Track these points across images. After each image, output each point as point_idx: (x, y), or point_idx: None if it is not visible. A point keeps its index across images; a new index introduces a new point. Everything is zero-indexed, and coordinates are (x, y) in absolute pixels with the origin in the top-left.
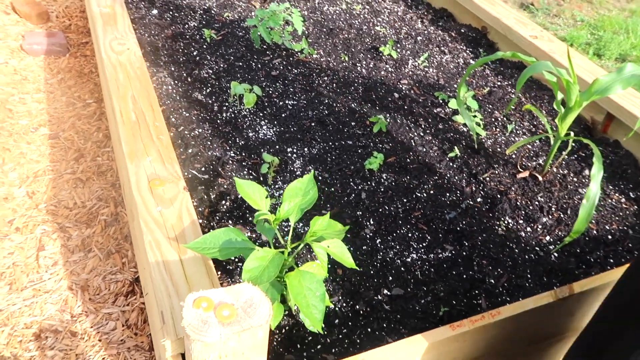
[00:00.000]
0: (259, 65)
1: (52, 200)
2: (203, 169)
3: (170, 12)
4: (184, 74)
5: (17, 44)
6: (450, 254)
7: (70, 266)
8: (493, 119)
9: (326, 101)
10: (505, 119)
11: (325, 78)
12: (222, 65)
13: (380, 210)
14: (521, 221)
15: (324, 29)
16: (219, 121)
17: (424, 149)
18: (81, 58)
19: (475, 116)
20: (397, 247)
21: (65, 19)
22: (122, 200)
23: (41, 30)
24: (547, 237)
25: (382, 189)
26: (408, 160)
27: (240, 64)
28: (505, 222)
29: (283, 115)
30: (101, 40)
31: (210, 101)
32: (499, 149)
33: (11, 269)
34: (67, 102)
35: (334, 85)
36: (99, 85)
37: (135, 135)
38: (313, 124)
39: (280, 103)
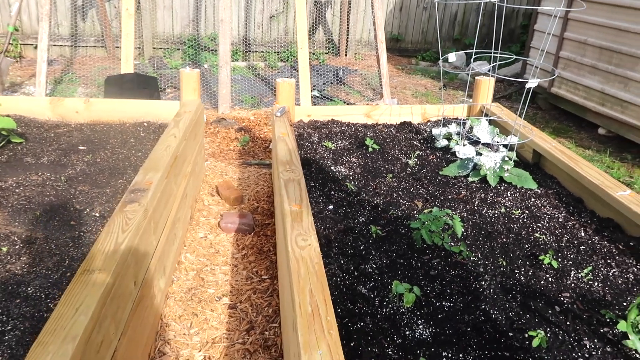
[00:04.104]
0: (419, 264)
1: None
2: None
3: (344, 208)
4: (352, 267)
5: (215, 222)
6: None
7: None
8: None
9: (483, 306)
10: None
11: (482, 282)
12: (385, 261)
13: None
14: None
15: (482, 232)
16: (379, 316)
17: None
18: (263, 237)
19: None
20: None
21: (255, 201)
22: None
23: (235, 211)
24: None
25: None
26: None
27: (402, 261)
28: None
29: (439, 316)
30: (288, 235)
31: (372, 295)
32: None
33: None
34: (246, 275)
35: (491, 290)
36: (274, 263)
37: (310, 328)
38: (469, 329)
39: (437, 304)
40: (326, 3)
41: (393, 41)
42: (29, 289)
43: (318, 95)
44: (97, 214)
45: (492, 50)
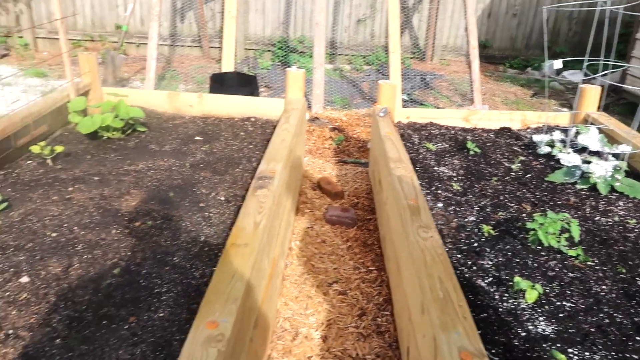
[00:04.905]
0: (535, 264)
1: (340, 347)
2: (493, 350)
3: (452, 207)
4: (469, 262)
5: (319, 214)
6: None
7: None
8: None
9: (605, 309)
10: None
11: (603, 287)
12: (500, 259)
13: None
14: None
15: (597, 238)
16: (500, 309)
17: None
18: (365, 231)
19: None
20: None
21: (354, 198)
22: None
23: (337, 205)
24: None
25: None
26: None
27: (518, 260)
28: None
29: (561, 315)
30: (409, 227)
31: (491, 290)
32: None
33: None
34: (353, 266)
35: (613, 295)
36: (379, 256)
37: (444, 311)
38: (593, 330)
39: (558, 303)
40: (413, 8)
41: (480, 47)
42: (174, 258)
43: (407, 98)
44: (222, 198)
45: (602, 58)
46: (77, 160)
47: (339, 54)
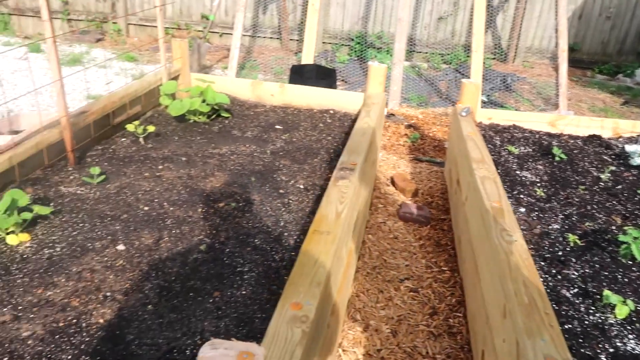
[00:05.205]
0: (626, 280)
1: (410, 343)
2: None
3: (535, 213)
4: (553, 271)
5: (392, 210)
6: None
7: None
8: None
9: None
10: None
11: None
12: (587, 271)
13: None
14: None
15: None
16: (586, 322)
17: None
18: (439, 230)
19: None
20: None
21: (429, 196)
22: None
23: (411, 203)
24: None
25: None
26: None
27: (606, 273)
28: None
29: None
30: (492, 230)
31: (577, 301)
32: None
33: None
34: (425, 264)
35: None
36: (452, 257)
37: (529, 317)
38: None
39: None
40: (498, 7)
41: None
42: (255, 240)
43: (486, 100)
44: (301, 186)
45: None
46: (166, 140)
47: (417, 51)
